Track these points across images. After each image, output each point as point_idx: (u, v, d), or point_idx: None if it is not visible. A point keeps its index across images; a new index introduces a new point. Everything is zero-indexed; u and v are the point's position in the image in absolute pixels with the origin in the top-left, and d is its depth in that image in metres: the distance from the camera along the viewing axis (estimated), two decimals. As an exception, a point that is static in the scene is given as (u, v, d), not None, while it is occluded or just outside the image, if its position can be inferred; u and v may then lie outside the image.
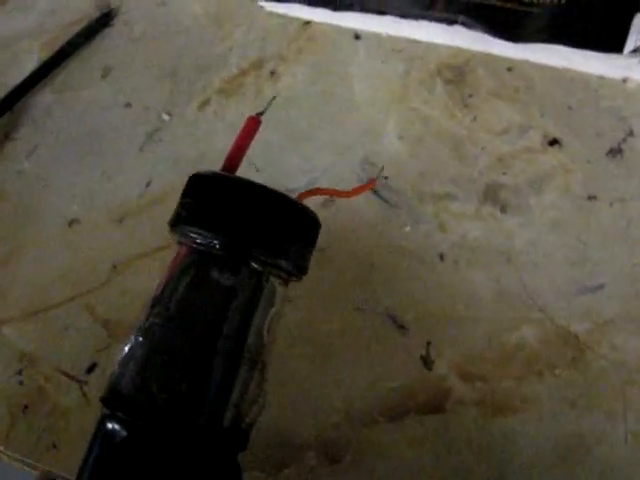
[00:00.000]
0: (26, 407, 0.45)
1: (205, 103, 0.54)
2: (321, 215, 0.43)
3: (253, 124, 0.34)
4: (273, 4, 0.58)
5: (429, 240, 0.45)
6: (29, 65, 0.59)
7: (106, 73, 0.58)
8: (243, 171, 0.33)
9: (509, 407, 0.40)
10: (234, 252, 0.31)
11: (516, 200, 0.45)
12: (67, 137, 0.56)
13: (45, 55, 0.59)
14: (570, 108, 0.48)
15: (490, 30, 0.50)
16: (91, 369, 0.45)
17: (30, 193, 0.53)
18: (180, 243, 0.32)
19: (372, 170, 0.48)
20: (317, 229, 0.34)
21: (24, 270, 0.50)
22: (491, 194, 0.46)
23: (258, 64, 0.55)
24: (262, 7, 0.58)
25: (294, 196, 0.33)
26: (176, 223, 0.32)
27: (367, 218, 0.46)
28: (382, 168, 0.44)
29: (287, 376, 0.43)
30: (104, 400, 0.30)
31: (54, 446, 0.44)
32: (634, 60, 0.46)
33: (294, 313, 0.44)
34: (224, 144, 0.33)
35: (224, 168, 0.33)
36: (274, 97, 0.37)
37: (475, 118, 0.49)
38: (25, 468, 0.44)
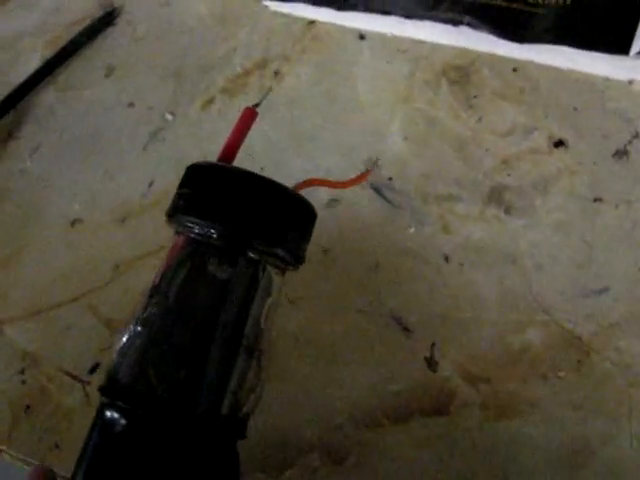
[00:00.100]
0: (28, 407, 0.45)
1: (209, 103, 0.54)
2: (324, 216, 0.43)
3: (249, 115, 0.34)
4: (277, 4, 0.58)
5: (433, 241, 0.45)
6: (32, 64, 0.59)
7: (109, 72, 0.58)
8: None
9: (513, 409, 0.40)
10: (231, 241, 0.31)
11: (521, 202, 0.45)
12: (70, 136, 0.55)
13: (48, 54, 0.59)
14: (576, 109, 0.48)
15: (495, 31, 0.50)
16: (94, 369, 0.45)
17: (33, 192, 0.53)
18: (178, 233, 0.32)
19: (376, 171, 0.48)
20: (313, 219, 0.34)
21: (27, 269, 0.50)
22: (496, 195, 0.45)
23: (262, 64, 0.55)
24: (266, 7, 0.58)
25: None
26: (174, 213, 0.32)
27: (371, 219, 0.46)
28: (376, 160, 0.44)
29: (290, 377, 0.43)
30: (103, 389, 0.30)
31: (57, 446, 0.43)
32: (640, 62, 0.46)
33: (297, 314, 0.44)
34: (227, 144, 0.33)
35: (221, 159, 0.33)
36: (270, 88, 0.37)
37: (480, 119, 0.48)
38: (27, 468, 0.44)
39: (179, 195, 0.32)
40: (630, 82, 0.48)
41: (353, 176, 0.39)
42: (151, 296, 0.31)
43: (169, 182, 0.50)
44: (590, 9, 0.50)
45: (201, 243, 0.31)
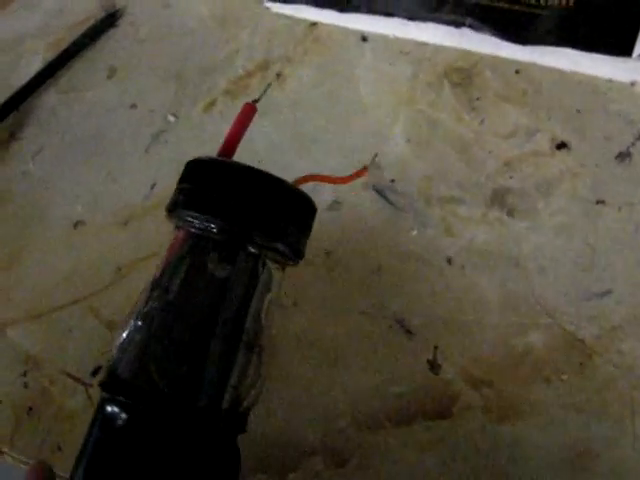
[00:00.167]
0: (31, 409, 0.45)
1: (211, 105, 0.54)
2: (327, 218, 0.43)
3: (249, 110, 0.34)
4: (279, 5, 0.58)
5: (436, 244, 0.45)
6: (34, 66, 0.59)
7: (111, 74, 0.58)
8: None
9: (516, 412, 0.40)
10: (231, 235, 0.31)
11: (523, 204, 0.45)
12: (72, 138, 0.55)
13: (50, 56, 0.59)
14: (578, 111, 0.47)
15: (498, 32, 0.50)
16: (96, 371, 0.45)
17: (35, 194, 0.53)
18: (178, 228, 0.32)
19: (379, 173, 0.48)
20: (313, 213, 0.34)
21: (29, 272, 0.50)
22: (498, 198, 0.45)
23: (264, 65, 0.55)
24: (268, 8, 0.58)
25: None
26: (174, 208, 0.32)
27: (374, 221, 0.46)
28: (376, 155, 0.43)
29: (293, 380, 0.43)
30: (103, 384, 0.30)
31: (59, 448, 0.43)
32: (643, 64, 0.46)
33: (300, 317, 0.44)
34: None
35: (221, 154, 0.33)
36: (270, 84, 0.37)
37: (482, 121, 0.48)
38: (30, 471, 0.44)
39: (179, 190, 0.32)
40: (633, 84, 0.48)
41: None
42: (151, 291, 0.31)
43: (171, 184, 0.49)
44: (593, 11, 0.49)
45: (201, 238, 0.31)
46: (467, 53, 0.51)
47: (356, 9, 0.55)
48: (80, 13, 0.62)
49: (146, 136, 0.54)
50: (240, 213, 0.30)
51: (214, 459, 0.30)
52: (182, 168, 0.33)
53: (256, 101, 0.34)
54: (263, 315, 0.32)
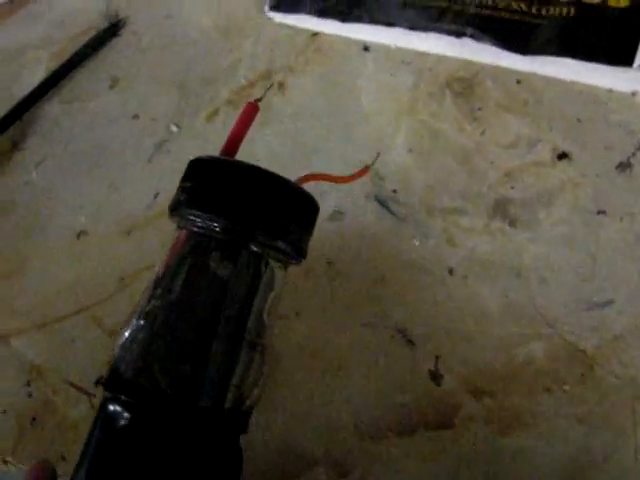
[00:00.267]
0: (34, 419, 0.45)
1: (213, 114, 0.54)
2: (329, 228, 0.43)
3: (251, 109, 0.34)
4: (281, 15, 0.58)
5: (438, 254, 0.45)
6: (37, 76, 0.59)
7: (114, 84, 0.58)
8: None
9: (517, 423, 0.40)
10: (234, 234, 0.31)
11: (525, 215, 0.45)
12: (75, 148, 0.56)
13: (53, 65, 0.60)
14: (579, 121, 0.48)
15: (499, 42, 0.51)
16: (99, 381, 0.45)
17: (38, 204, 0.53)
18: (180, 227, 0.32)
19: (380, 182, 0.48)
20: (316, 213, 0.34)
21: (32, 282, 0.50)
22: (500, 208, 0.45)
23: (266, 75, 0.55)
24: (270, 18, 0.58)
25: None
26: (176, 207, 0.32)
27: (375, 232, 0.46)
28: (378, 155, 0.43)
29: (295, 390, 0.43)
30: (106, 384, 0.30)
31: (63, 458, 0.44)
32: (644, 74, 0.46)
33: (302, 327, 0.44)
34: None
35: (223, 153, 0.33)
36: (272, 84, 0.37)
37: (484, 131, 0.49)
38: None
39: (182, 189, 0.32)
40: (633, 94, 0.48)
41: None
42: (154, 290, 0.31)
43: (174, 194, 0.50)
44: (593, 21, 0.50)
45: (204, 236, 0.31)
46: (468, 63, 0.52)
47: (358, 19, 0.55)
48: (83, 23, 0.62)
49: (149, 146, 0.54)
50: (243, 212, 0.30)
51: (217, 458, 0.30)
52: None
53: (258, 100, 0.34)
54: (265, 314, 0.32)
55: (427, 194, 0.47)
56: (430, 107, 0.50)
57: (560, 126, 0.48)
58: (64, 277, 0.50)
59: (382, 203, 0.47)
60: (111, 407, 0.30)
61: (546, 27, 0.50)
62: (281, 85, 0.54)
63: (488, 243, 0.45)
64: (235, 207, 0.30)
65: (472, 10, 0.52)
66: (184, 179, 0.32)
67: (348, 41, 0.55)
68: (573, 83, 0.49)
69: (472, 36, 0.51)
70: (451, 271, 0.44)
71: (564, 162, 0.46)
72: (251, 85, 0.55)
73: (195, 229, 0.31)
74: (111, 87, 0.58)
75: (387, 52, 0.54)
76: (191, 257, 0.31)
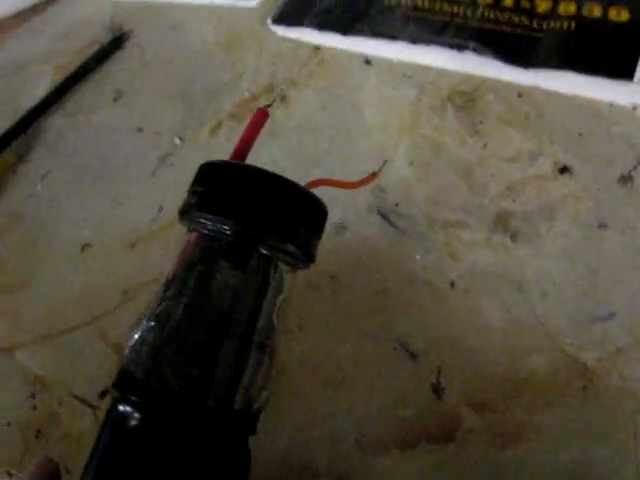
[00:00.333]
0: (39, 431, 0.45)
1: (217, 127, 0.55)
2: (332, 242, 0.44)
3: (261, 116, 0.34)
4: (283, 29, 0.58)
5: (440, 267, 0.45)
6: (42, 89, 0.60)
7: (118, 97, 0.59)
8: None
9: (519, 436, 0.40)
10: (244, 237, 0.31)
11: (526, 228, 0.45)
12: (79, 161, 0.56)
13: (58, 78, 0.60)
14: (580, 135, 0.48)
15: (500, 56, 0.51)
16: (104, 394, 0.45)
17: (43, 217, 0.54)
18: (190, 231, 0.33)
19: (383, 196, 0.48)
20: (324, 217, 0.34)
21: (36, 294, 0.50)
22: (502, 222, 0.46)
23: (269, 88, 0.56)
24: (272, 32, 0.58)
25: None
26: (186, 210, 0.32)
27: (378, 245, 0.47)
28: (385, 162, 0.43)
29: (298, 402, 0.43)
30: (116, 384, 0.31)
31: (68, 471, 0.44)
32: (645, 88, 0.46)
33: (305, 340, 0.44)
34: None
35: (233, 157, 0.33)
36: (281, 89, 0.37)
37: (485, 145, 0.49)
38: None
39: (192, 192, 0.32)
40: (634, 107, 0.48)
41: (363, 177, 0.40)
42: (164, 292, 0.32)
43: (178, 207, 0.51)
44: (594, 34, 0.50)
45: (214, 239, 0.31)
46: (470, 77, 0.52)
47: (360, 33, 0.55)
48: (87, 37, 0.62)
49: (152, 159, 0.54)
50: (252, 215, 0.30)
51: (225, 459, 0.31)
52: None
53: (268, 106, 0.35)
54: (275, 317, 0.32)
55: (429, 207, 0.47)
56: (432, 120, 0.51)
57: (561, 140, 0.48)
58: (68, 290, 0.50)
59: (384, 216, 0.47)
60: (121, 407, 0.30)
61: (547, 41, 0.51)
62: (283, 98, 0.55)
63: (490, 256, 0.45)
64: (245, 210, 0.30)
65: (474, 24, 0.53)
66: (194, 183, 0.33)
67: (350, 55, 0.55)
68: (574, 97, 0.49)
69: (474, 50, 0.51)
70: (453, 284, 0.45)
71: (565, 176, 0.47)
72: (254, 98, 0.55)
73: (205, 232, 0.31)
74: (115, 100, 0.59)
75: (389, 66, 0.54)
76: (201, 260, 0.32)
